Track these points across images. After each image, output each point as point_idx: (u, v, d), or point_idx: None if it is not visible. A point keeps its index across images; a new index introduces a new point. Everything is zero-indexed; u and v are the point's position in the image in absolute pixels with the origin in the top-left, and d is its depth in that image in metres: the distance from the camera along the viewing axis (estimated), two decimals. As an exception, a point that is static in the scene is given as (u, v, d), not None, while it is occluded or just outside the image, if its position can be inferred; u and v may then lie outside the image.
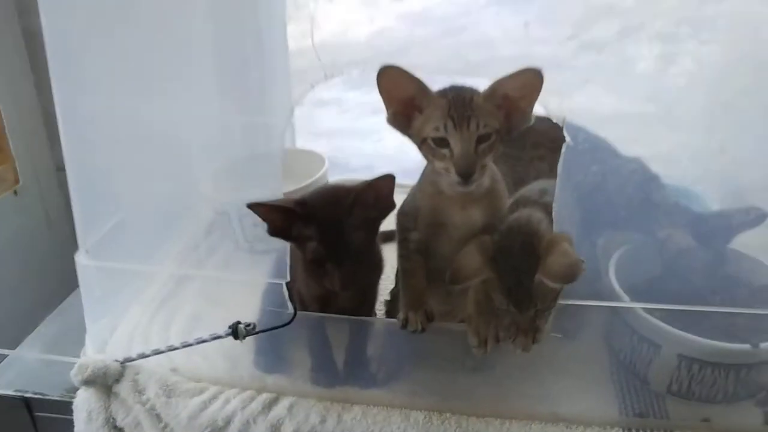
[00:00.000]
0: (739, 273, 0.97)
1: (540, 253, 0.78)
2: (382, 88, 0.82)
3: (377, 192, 0.86)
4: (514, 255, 0.80)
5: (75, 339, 1.05)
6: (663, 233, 0.99)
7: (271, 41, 1.42)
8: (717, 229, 1.00)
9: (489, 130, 0.78)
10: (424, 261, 0.92)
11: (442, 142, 0.79)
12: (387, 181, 0.85)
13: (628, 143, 1.03)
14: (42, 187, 1.62)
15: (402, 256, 0.93)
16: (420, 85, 0.81)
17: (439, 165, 0.80)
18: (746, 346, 0.84)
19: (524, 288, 0.79)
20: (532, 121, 0.83)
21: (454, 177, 0.78)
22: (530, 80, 0.78)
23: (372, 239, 0.90)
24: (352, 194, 0.85)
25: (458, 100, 0.79)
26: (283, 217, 0.86)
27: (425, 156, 0.83)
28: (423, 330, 0.87)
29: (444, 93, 0.81)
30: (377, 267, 0.95)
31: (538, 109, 0.83)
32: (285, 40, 1.36)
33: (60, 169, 1.67)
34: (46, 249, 1.62)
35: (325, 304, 0.93)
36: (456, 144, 0.78)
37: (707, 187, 1.19)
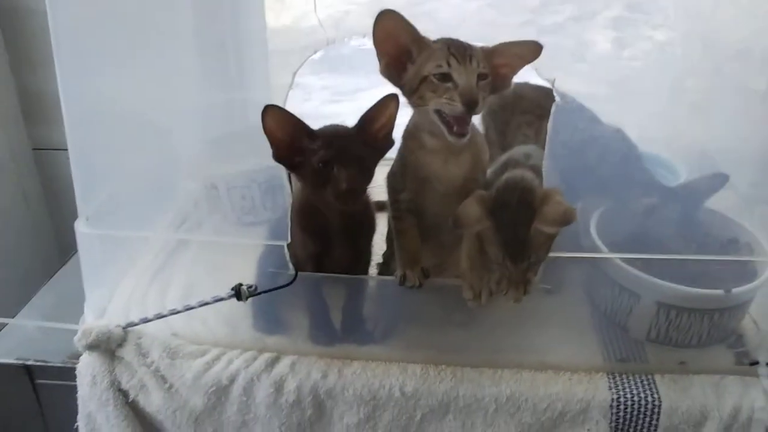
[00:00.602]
0: (711, 228, 1.04)
1: (535, 207, 0.84)
2: (378, 33, 0.85)
3: (382, 113, 0.89)
4: (511, 209, 0.85)
5: (71, 308, 1.06)
6: (637, 203, 1.05)
7: (248, 20, 1.44)
8: (687, 198, 1.06)
9: (486, 71, 0.84)
10: (416, 220, 0.96)
11: (445, 77, 0.83)
12: (391, 100, 0.88)
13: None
14: (19, 167, 1.60)
15: (395, 218, 0.97)
16: (415, 33, 0.86)
17: (440, 101, 0.84)
18: (720, 292, 0.90)
19: (520, 240, 0.84)
20: (510, 87, 0.91)
21: (458, 107, 0.82)
22: (530, 50, 0.85)
23: (371, 171, 0.91)
24: (359, 119, 0.89)
25: (456, 43, 0.86)
26: (292, 132, 0.87)
27: (420, 98, 0.86)
28: (420, 285, 0.92)
29: (439, 40, 0.87)
30: (370, 226, 0.99)
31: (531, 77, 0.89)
32: (263, 18, 1.38)
33: (36, 148, 1.66)
34: (24, 227, 1.61)
35: (320, 263, 0.96)
36: (460, 76, 0.83)
37: (674, 157, 1.27)
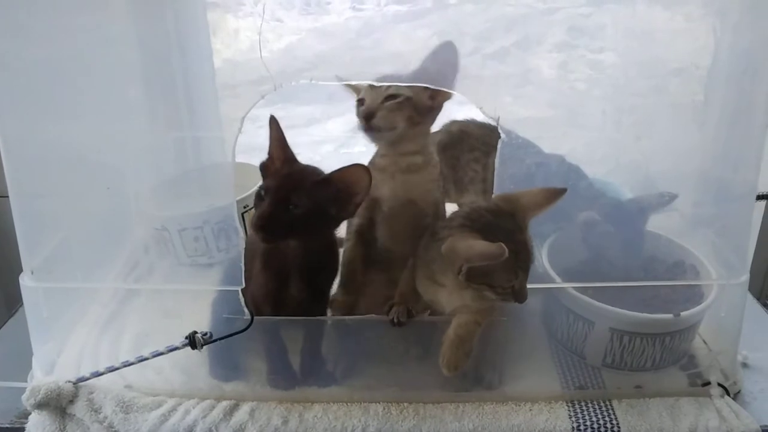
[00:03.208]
0: (656, 251, 1.07)
1: (508, 212, 0.86)
2: None
3: (346, 178, 0.87)
4: (495, 224, 0.85)
5: (18, 364, 1.03)
6: (581, 216, 1.08)
7: (195, 58, 1.43)
8: (633, 212, 1.09)
9: (399, 92, 0.91)
10: (364, 247, 1.00)
11: (361, 102, 0.93)
12: (358, 170, 0.87)
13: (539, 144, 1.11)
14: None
15: (346, 240, 1.01)
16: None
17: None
18: (669, 316, 0.93)
19: (523, 243, 0.85)
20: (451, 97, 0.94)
21: (360, 123, 0.92)
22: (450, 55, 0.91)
23: (302, 223, 0.87)
24: (324, 175, 0.90)
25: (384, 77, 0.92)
26: (277, 147, 0.93)
27: None
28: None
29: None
30: (332, 268, 0.99)
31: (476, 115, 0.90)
32: (210, 56, 1.38)
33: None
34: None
35: (279, 301, 0.95)
36: (366, 97, 0.93)
37: (618, 179, 1.30)
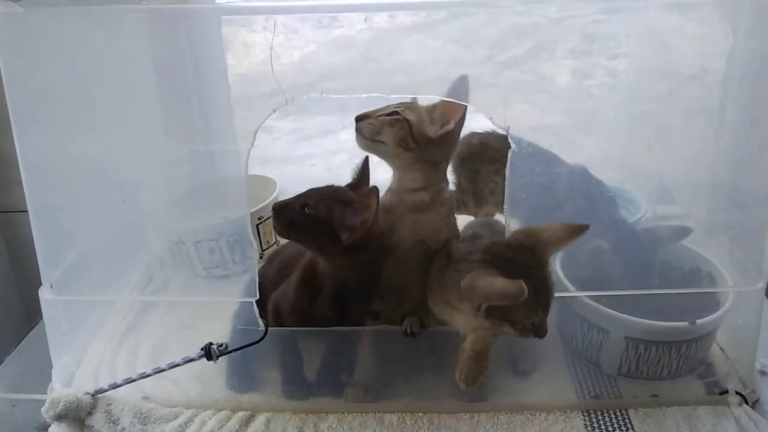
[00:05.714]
0: (672, 258, 1.06)
1: (529, 247, 0.85)
2: None
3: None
4: (515, 260, 0.84)
5: (38, 377, 1.04)
6: (590, 245, 1.06)
7: (210, 73, 1.45)
8: (647, 242, 1.08)
9: (398, 115, 0.91)
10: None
11: None
12: (365, 192, 0.91)
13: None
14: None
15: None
16: None
17: None
18: (685, 324, 0.92)
19: (543, 280, 0.84)
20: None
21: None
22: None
23: (318, 236, 0.91)
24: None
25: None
26: None
27: None
28: None
29: None
30: (365, 300, 0.98)
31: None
32: (224, 70, 1.39)
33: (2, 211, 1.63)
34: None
35: (304, 318, 0.96)
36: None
37: (633, 186, 1.30)
